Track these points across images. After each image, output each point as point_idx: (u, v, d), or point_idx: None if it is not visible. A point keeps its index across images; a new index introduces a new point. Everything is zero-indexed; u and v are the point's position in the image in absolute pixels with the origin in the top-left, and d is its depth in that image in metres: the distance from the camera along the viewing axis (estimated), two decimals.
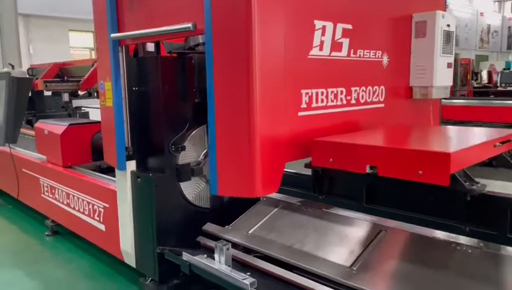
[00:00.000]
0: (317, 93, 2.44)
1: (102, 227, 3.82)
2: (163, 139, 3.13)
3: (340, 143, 2.20)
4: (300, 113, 2.35)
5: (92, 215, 3.92)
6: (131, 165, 3.30)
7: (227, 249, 2.78)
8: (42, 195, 4.80)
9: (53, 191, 4.56)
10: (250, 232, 3.01)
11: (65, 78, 6.74)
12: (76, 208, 4.16)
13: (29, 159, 5.13)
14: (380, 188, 2.53)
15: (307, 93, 2.38)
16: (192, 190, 3.33)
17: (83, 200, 4.03)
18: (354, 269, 2.34)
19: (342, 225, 2.74)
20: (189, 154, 3.26)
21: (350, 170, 2.15)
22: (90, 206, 3.92)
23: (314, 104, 2.42)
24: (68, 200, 4.29)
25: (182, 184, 3.25)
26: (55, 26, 13.68)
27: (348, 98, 2.64)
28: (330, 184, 2.77)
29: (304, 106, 2.37)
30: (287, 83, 2.27)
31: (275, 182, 2.27)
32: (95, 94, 6.31)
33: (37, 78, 6.64)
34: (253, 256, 2.80)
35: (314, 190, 2.93)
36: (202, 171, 3.32)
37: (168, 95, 3.12)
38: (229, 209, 3.56)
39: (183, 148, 3.18)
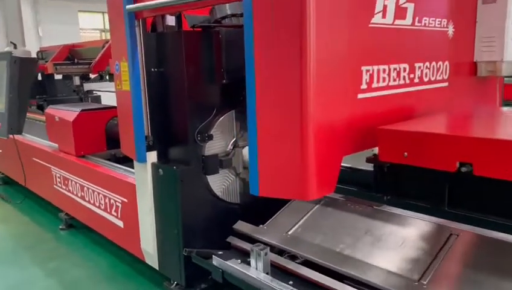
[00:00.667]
0: (378, 71, 2.00)
1: (120, 223, 3.48)
2: (187, 127, 2.74)
3: (420, 133, 1.76)
4: (360, 96, 1.92)
5: (108, 211, 3.58)
6: (152, 156, 2.92)
7: (266, 253, 2.41)
8: (55, 186, 4.47)
9: (66, 182, 4.22)
10: (289, 233, 2.63)
11: (75, 60, 6.37)
12: (92, 202, 3.82)
13: (39, 148, 4.79)
14: (465, 188, 2.11)
15: (367, 71, 1.95)
16: (220, 183, 2.95)
17: (98, 193, 3.68)
18: (425, 283, 1.94)
19: (399, 226, 2.33)
20: (216, 144, 2.86)
21: (432, 167, 1.72)
22: (107, 200, 3.57)
23: (374, 84, 1.99)
24: (82, 193, 3.95)
25: (209, 178, 2.87)
26: (64, 8, 13.26)
27: (411, 76, 2.20)
28: (398, 183, 2.35)
29: (363, 86, 1.94)
30: (346, 58, 1.84)
31: (331, 181, 1.87)
32: (107, 77, 5.96)
33: (46, 61, 6.29)
34: (296, 262, 2.42)
35: (376, 189, 2.49)
36: (231, 162, 2.92)
37: (192, 76, 2.71)
38: (262, 205, 3.18)
39: (210, 137, 2.78)
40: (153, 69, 2.83)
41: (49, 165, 4.52)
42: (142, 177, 3.01)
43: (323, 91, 1.77)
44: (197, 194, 2.83)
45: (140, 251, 3.21)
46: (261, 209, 3.21)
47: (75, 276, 3.55)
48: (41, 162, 4.70)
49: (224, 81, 2.78)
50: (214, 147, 2.86)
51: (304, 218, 2.70)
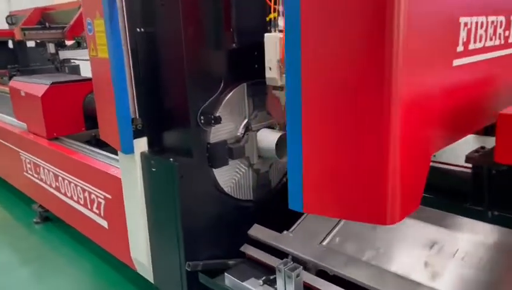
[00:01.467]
0: (476, 25, 1.35)
1: (103, 223, 2.84)
2: (187, 106, 2.08)
3: None
4: (456, 62, 1.28)
5: (89, 207, 2.93)
6: (141, 144, 2.27)
7: (298, 275, 1.81)
8: (25, 174, 3.79)
9: (37, 170, 3.55)
10: (325, 243, 2.02)
11: (47, 25, 5.59)
12: (68, 195, 3.16)
13: (5, 128, 4.06)
14: None
15: (465, 25, 1.29)
16: (229, 177, 2.32)
17: (75, 185, 3.02)
18: None
19: (474, 234, 1.75)
20: (224, 128, 2.21)
21: None
22: (86, 194, 2.92)
23: (471, 45, 1.34)
24: (57, 183, 3.29)
25: (215, 171, 2.23)
26: None
27: (506, 33, 1.55)
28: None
29: (460, 48, 1.29)
30: (440, 6, 1.19)
31: (417, 192, 1.25)
32: (85, 44, 5.22)
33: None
34: (339, 286, 1.83)
35: (475, 200, 1.79)
36: (244, 151, 2.28)
37: (192, 38, 2.03)
38: (281, 202, 2.57)
39: (218, 120, 2.12)
40: (138, 29, 2.14)
41: (18, 149, 3.82)
42: (128, 170, 2.36)
43: (415, 57, 1.12)
44: (201, 192, 2.20)
45: (130, 258, 2.60)
46: (280, 207, 2.60)
47: (53, 286, 2.94)
48: (9, 145, 4.00)
49: (234, 45, 2.11)
50: (222, 131, 2.20)
51: (340, 223, 2.10)
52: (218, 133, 2.19)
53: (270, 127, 2.40)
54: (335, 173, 1.24)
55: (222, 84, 2.16)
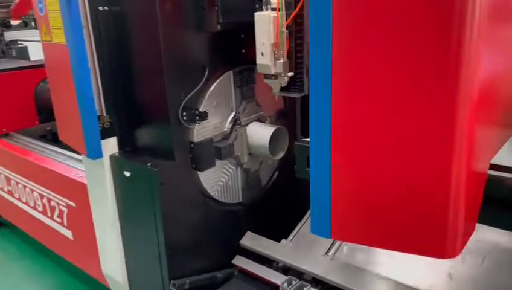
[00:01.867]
0: None
1: (67, 233, 2.48)
2: (165, 100, 1.74)
3: None
4: None
5: (49, 215, 2.55)
6: (110, 145, 1.92)
7: None
8: None
9: None
10: (330, 254, 1.78)
11: None
12: (24, 200, 2.75)
13: None
14: None
15: None
16: (216, 180, 2.02)
17: (31, 190, 2.62)
18: None
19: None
20: (210, 123, 1.89)
21: None
22: (45, 201, 2.53)
23: None
24: (9, 187, 2.86)
25: (200, 174, 1.92)
26: None
27: None
28: None
29: None
30: None
31: (475, 212, 1.00)
32: (33, 23, 4.68)
33: None
34: None
35: None
36: (233, 149, 1.98)
37: (170, 18, 1.68)
38: (272, 202, 2.31)
39: (203, 116, 1.80)
40: (102, 8, 1.76)
41: None
42: (96, 176, 2.01)
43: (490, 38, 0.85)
44: (184, 199, 1.89)
45: (100, 273, 2.26)
46: (273, 208, 2.34)
47: None
48: None
49: (218, 26, 1.78)
50: (207, 128, 1.89)
51: None
52: (202, 131, 1.87)
53: (260, 120, 2.11)
54: (378, 193, 0.97)
55: (206, 73, 1.83)
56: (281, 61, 1.78)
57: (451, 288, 1.51)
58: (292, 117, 2.39)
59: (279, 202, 2.35)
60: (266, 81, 1.85)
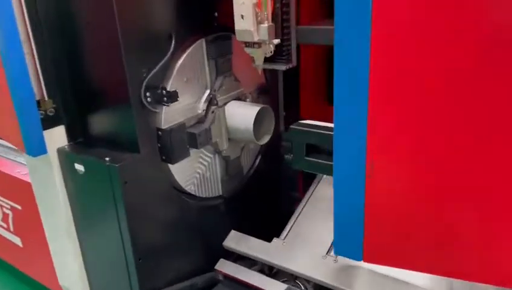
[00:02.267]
0: None
1: (15, 240, 2.10)
2: (124, 77, 1.38)
3: None
4: None
5: None
6: (56, 136, 1.55)
7: None
8: None
9: None
10: (332, 254, 1.51)
11: None
12: None
13: None
14: None
15: None
16: (191, 172, 1.69)
17: None
18: None
19: None
20: (180, 104, 1.55)
21: None
22: None
23: None
24: None
25: (172, 167, 1.59)
26: None
27: None
28: None
29: None
30: None
31: None
32: None
33: None
34: None
35: None
36: (210, 135, 1.65)
37: None
38: (256, 193, 2.01)
39: (173, 97, 1.45)
40: None
41: None
42: (41, 175, 1.63)
43: None
44: (154, 198, 1.56)
45: (58, 286, 1.92)
46: (258, 200, 2.05)
47: None
48: None
49: None
50: (177, 110, 1.55)
51: None
52: (172, 114, 1.53)
53: (240, 98, 1.78)
54: (433, 210, 0.68)
55: (173, 42, 1.47)
56: (265, 25, 1.45)
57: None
58: (274, 93, 2.07)
59: (264, 191, 2.06)
60: (247, 50, 1.52)
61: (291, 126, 1.25)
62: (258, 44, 1.49)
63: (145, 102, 1.42)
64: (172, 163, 1.55)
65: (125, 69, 1.36)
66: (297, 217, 1.66)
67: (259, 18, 1.44)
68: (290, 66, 1.64)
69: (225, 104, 1.70)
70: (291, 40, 1.61)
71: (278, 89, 2.09)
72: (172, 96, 1.43)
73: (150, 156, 1.50)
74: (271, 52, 1.52)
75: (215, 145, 1.70)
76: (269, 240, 1.67)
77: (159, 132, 1.50)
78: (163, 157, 1.54)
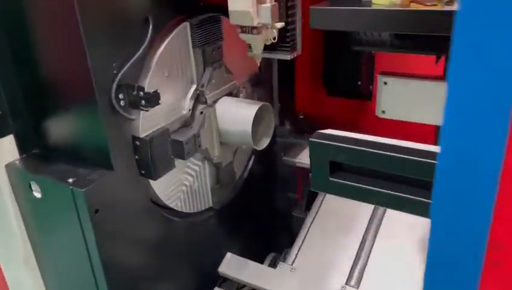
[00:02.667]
0: None
1: None
2: (87, 75, 1.05)
3: None
4: None
5: None
6: (4, 149, 1.21)
7: None
8: None
9: None
10: (352, 283, 1.27)
11: None
12: None
13: None
14: None
15: None
16: (176, 186, 1.40)
17: None
18: None
19: None
20: (162, 106, 1.23)
21: None
22: None
23: None
24: None
25: (153, 182, 1.29)
26: None
27: None
28: None
29: None
30: None
31: None
32: None
33: None
34: None
35: None
36: (199, 142, 1.35)
37: None
38: (250, 202, 1.73)
39: (153, 100, 1.14)
40: None
41: None
42: None
43: None
44: (131, 222, 1.26)
45: None
46: (254, 210, 1.78)
47: None
48: None
49: None
50: (157, 113, 1.23)
51: (369, 238, 1.34)
52: (151, 118, 1.22)
53: (231, 93, 1.49)
54: None
55: (150, 27, 1.15)
56: (268, 4, 1.16)
57: None
58: (268, 83, 1.79)
59: (259, 197, 1.79)
60: (243, 37, 1.23)
61: (311, 138, 0.97)
62: (258, 29, 1.19)
63: (117, 106, 1.10)
64: (154, 179, 1.25)
65: (88, 64, 1.04)
66: (305, 237, 1.40)
67: None
68: (295, 54, 1.35)
69: (215, 101, 1.41)
70: (297, 23, 1.32)
71: (272, 78, 1.80)
72: (153, 99, 1.12)
73: (127, 172, 1.20)
74: (273, 39, 1.23)
75: (205, 152, 1.41)
76: (267, 252, 1.42)
77: (136, 142, 1.20)
78: (143, 172, 1.24)
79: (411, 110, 1.31)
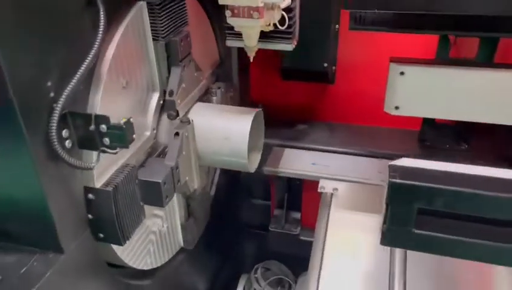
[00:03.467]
0: None
1: None
2: (4, 100, 0.59)
3: None
4: None
5: None
6: None
7: None
8: None
9: None
10: None
11: None
12: None
13: None
14: None
15: None
16: (144, 237, 0.98)
17: None
18: None
19: None
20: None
21: None
22: None
23: None
24: None
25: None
26: None
27: None
28: None
29: None
30: None
31: None
32: None
33: None
34: None
35: None
36: (178, 177, 0.94)
37: None
38: (221, 224, 1.37)
39: (122, 137, 0.70)
40: None
41: None
42: None
43: None
44: None
45: None
46: (222, 235, 1.41)
47: None
48: None
49: None
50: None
51: None
52: (105, 155, 0.78)
53: (206, 96, 1.10)
54: None
55: (101, 14, 0.70)
56: None
57: None
58: (229, 75, 1.41)
59: (229, 216, 1.44)
60: (236, 22, 0.85)
61: (392, 179, 0.66)
62: (260, 11, 0.82)
63: (60, 151, 0.66)
64: (122, 243, 0.83)
65: (7, 86, 0.58)
66: (320, 266, 1.10)
67: None
68: (295, 43, 1.01)
69: (188, 112, 1.00)
70: (296, 6, 0.97)
71: (232, 69, 1.42)
72: (126, 134, 0.69)
73: (82, 253, 0.77)
74: (272, 25, 0.87)
75: (183, 187, 1.01)
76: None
77: (89, 195, 0.77)
78: (101, 236, 0.81)
79: (437, 105, 1.06)
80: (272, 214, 1.58)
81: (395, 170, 0.69)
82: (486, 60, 1.13)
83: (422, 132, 1.35)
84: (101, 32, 0.69)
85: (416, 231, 0.70)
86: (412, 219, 0.69)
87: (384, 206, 0.72)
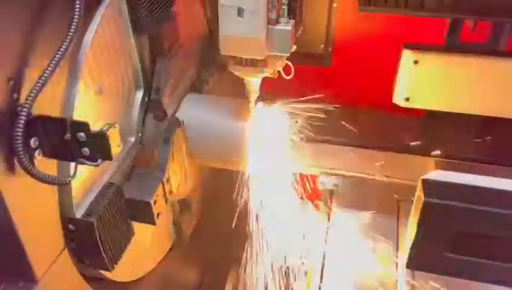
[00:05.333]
0: None
1: None
2: None
3: None
4: None
5: None
6: None
7: None
8: None
9: None
10: None
11: None
12: None
13: None
14: None
15: None
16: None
17: None
18: None
19: None
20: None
21: None
22: None
23: None
24: None
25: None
26: None
27: None
28: None
29: None
30: None
31: None
32: None
33: None
34: None
35: None
36: (170, 189, 0.81)
37: None
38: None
39: (105, 147, 0.57)
40: None
41: None
42: None
43: None
44: None
45: None
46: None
47: None
48: None
49: None
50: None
51: None
52: (84, 175, 0.65)
53: (195, 87, 0.96)
54: None
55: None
56: (286, 27, 0.77)
57: None
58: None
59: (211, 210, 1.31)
60: (238, 71, 0.77)
61: (427, 198, 0.56)
62: (265, 62, 0.71)
63: (25, 164, 0.52)
64: (111, 270, 0.69)
65: None
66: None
67: None
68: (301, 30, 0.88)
69: (176, 110, 0.87)
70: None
71: None
72: (109, 144, 0.55)
73: (60, 277, 0.63)
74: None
75: (173, 206, 0.87)
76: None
77: (70, 225, 0.63)
78: (87, 262, 0.68)
79: (454, 97, 0.96)
80: None
81: (430, 187, 0.58)
82: (499, 47, 1.03)
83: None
84: (75, 20, 0.54)
85: (451, 255, 0.60)
86: (448, 242, 0.60)
87: (411, 224, 0.63)
